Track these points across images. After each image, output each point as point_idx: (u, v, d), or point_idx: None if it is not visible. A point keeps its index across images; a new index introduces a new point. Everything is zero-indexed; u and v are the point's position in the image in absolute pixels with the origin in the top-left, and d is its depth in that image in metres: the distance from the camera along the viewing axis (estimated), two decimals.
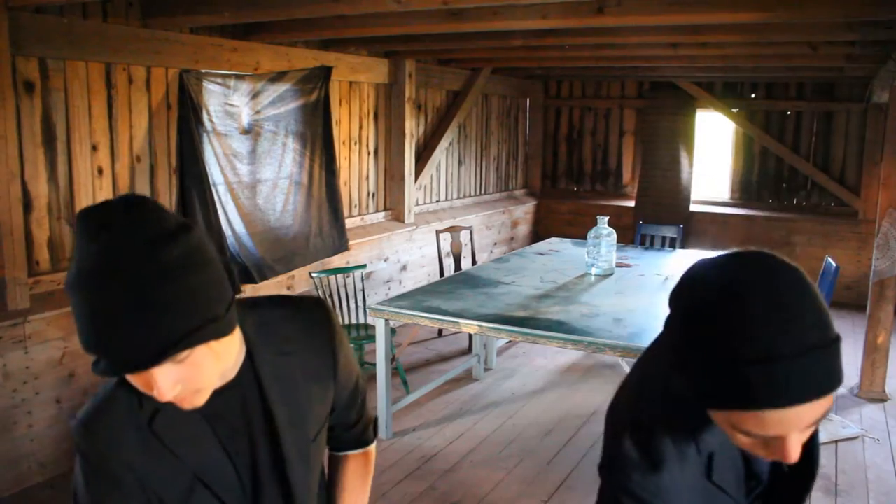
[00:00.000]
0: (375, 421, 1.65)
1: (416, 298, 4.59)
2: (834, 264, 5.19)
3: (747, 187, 8.74)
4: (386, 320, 4.43)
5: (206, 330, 1.07)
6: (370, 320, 5.29)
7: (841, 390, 5.49)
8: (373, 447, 1.64)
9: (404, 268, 7.03)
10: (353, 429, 1.56)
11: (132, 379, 1.09)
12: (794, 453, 0.99)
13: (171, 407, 1.17)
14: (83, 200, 4.24)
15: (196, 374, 1.09)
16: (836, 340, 0.95)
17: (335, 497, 1.59)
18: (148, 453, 1.21)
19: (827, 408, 0.98)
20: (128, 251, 1.01)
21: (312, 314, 1.37)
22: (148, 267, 1.01)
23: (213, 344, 1.10)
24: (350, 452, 1.60)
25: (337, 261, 6.00)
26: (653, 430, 1.14)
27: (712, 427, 1.14)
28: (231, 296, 1.14)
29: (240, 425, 1.27)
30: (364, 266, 5.62)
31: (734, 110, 8.55)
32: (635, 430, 1.15)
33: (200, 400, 1.15)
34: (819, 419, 0.98)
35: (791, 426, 0.97)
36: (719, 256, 1.02)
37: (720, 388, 0.97)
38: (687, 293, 1.03)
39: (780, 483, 1.27)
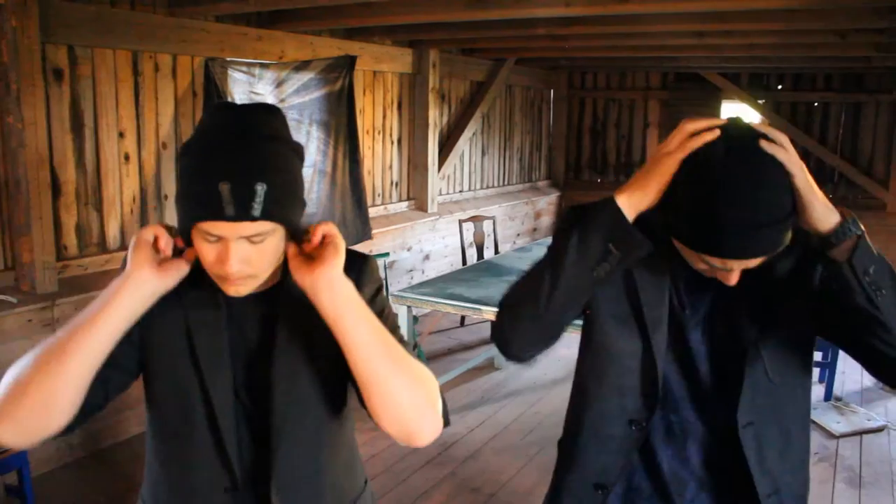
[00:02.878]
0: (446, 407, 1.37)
1: (438, 286, 4.61)
2: None
3: None
4: (409, 307, 4.45)
5: (292, 216, 1.23)
6: (393, 308, 5.32)
7: (867, 383, 5.43)
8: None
9: (427, 257, 7.05)
10: None
11: (206, 248, 1.21)
12: (734, 281, 1.32)
13: (203, 295, 1.32)
14: (110, 186, 4.30)
15: (260, 259, 1.23)
16: (789, 216, 1.23)
17: None
18: (168, 302, 1.29)
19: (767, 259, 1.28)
20: (258, 131, 1.21)
21: (353, 255, 1.38)
22: (269, 145, 1.21)
23: (279, 238, 1.24)
24: None
25: (360, 249, 6.00)
26: None
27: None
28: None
29: (241, 340, 1.34)
30: (387, 254, 5.64)
31: (760, 102, 8.46)
32: None
33: (248, 288, 1.26)
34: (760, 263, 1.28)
35: (738, 266, 1.28)
36: (722, 129, 1.26)
37: (698, 237, 1.26)
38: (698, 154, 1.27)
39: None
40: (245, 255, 1.21)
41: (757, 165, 1.21)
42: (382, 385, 1.22)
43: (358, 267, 1.38)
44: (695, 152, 1.25)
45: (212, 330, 1.32)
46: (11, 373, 1.19)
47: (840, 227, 1.24)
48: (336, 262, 1.21)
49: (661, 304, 1.44)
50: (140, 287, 1.21)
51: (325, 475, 1.41)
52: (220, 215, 1.16)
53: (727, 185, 1.20)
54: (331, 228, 1.24)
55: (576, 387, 1.61)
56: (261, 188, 1.16)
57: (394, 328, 1.37)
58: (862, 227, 1.25)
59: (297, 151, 1.28)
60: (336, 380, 1.38)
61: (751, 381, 1.40)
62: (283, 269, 1.31)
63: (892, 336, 1.27)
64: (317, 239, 1.23)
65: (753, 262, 1.26)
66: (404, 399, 1.24)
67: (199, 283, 1.30)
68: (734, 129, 1.25)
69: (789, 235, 1.25)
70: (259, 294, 1.32)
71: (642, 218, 1.33)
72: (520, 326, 1.41)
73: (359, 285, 1.32)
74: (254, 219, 1.17)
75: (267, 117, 1.25)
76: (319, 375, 1.36)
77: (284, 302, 1.34)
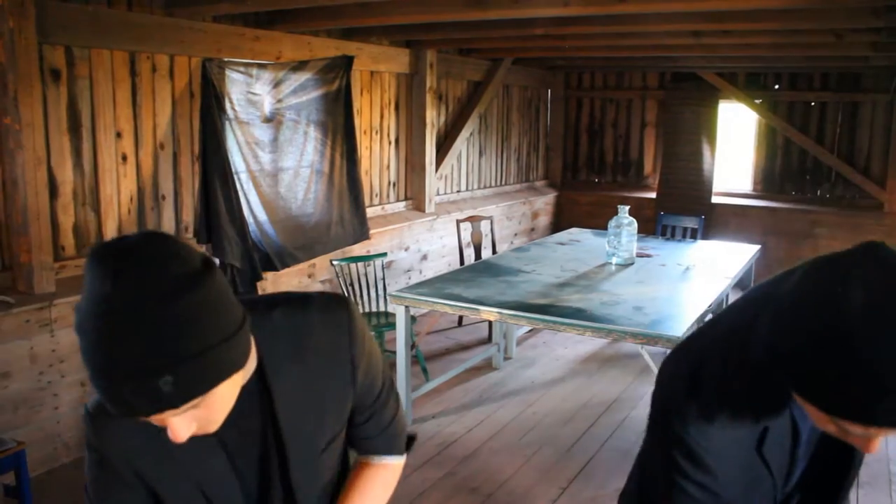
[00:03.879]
0: (412, 438, 1.53)
1: (436, 286, 4.60)
2: None
3: (770, 179, 8.67)
4: (406, 307, 4.44)
5: (226, 369, 1.03)
6: (390, 308, 5.32)
7: None
8: (394, 462, 1.49)
9: (424, 257, 7.05)
10: (373, 439, 1.45)
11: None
12: (876, 448, 1.06)
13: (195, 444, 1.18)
14: (107, 187, 4.30)
15: (211, 413, 1.07)
16: None
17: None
18: (153, 456, 1.21)
19: None
20: (148, 296, 0.94)
21: (331, 318, 1.28)
22: (168, 314, 0.95)
23: (226, 385, 1.06)
24: (367, 460, 1.48)
25: (357, 249, 6.03)
26: (713, 391, 1.20)
27: (773, 405, 1.20)
28: (243, 320, 1.07)
29: (249, 438, 1.26)
30: (384, 254, 5.65)
31: (757, 101, 8.47)
32: (696, 388, 1.21)
33: (214, 428, 1.11)
34: None
35: (887, 433, 1.01)
36: (857, 268, 1.01)
37: (841, 403, 0.98)
38: (826, 301, 0.99)
39: (819, 477, 1.34)
40: (190, 420, 1.05)
41: None
42: None
43: (348, 331, 1.29)
44: (828, 299, 0.98)
45: (215, 457, 1.25)
46: None
47: None
48: None
49: (783, 466, 1.29)
50: None
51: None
52: (132, 414, 0.99)
53: (876, 346, 0.93)
54: None
55: None
56: (166, 383, 0.95)
57: (384, 377, 1.43)
58: None
59: (204, 278, 1.00)
60: (341, 427, 1.38)
61: None
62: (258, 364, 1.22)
63: None
64: None
65: None
66: None
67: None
68: (872, 265, 0.99)
69: None
70: (241, 397, 1.18)
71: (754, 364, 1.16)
72: None
73: (354, 360, 1.30)
74: (174, 407, 0.98)
75: (155, 260, 0.97)
76: (325, 441, 1.34)
77: (275, 388, 1.23)
